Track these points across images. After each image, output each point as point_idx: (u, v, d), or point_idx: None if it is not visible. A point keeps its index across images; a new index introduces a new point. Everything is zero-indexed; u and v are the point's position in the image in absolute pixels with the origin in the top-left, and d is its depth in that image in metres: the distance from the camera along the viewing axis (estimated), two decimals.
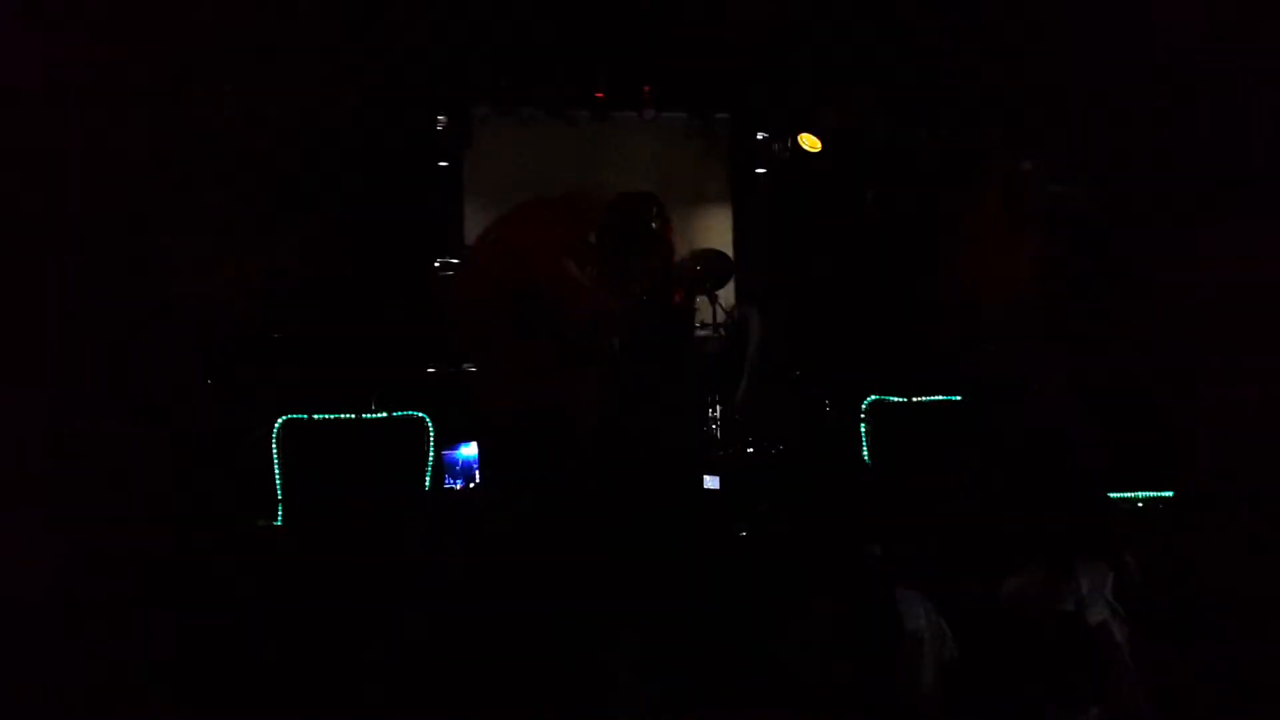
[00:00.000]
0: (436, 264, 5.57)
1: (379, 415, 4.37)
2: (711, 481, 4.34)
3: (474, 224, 6.26)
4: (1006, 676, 2.92)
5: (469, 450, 4.94)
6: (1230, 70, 4.02)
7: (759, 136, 6.33)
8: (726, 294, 6.00)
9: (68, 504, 3.11)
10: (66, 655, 2.71)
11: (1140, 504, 3.92)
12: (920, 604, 3.08)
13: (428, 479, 4.26)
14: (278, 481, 4.18)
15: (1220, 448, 3.84)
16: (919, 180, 5.78)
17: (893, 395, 4.53)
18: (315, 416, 4.28)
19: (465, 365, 5.05)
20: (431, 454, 4.28)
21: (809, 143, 5.98)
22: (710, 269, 5.16)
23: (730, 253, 6.49)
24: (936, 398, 4.46)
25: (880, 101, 5.98)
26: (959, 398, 4.34)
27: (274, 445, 4.18)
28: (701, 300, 5.75)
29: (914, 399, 4.50)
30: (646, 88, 6.16)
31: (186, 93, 4.93)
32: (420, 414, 4.35)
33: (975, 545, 3.35)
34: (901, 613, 3.04)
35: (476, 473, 4.85)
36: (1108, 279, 4.25)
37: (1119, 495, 3.95)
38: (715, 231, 6.58)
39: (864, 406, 4.52)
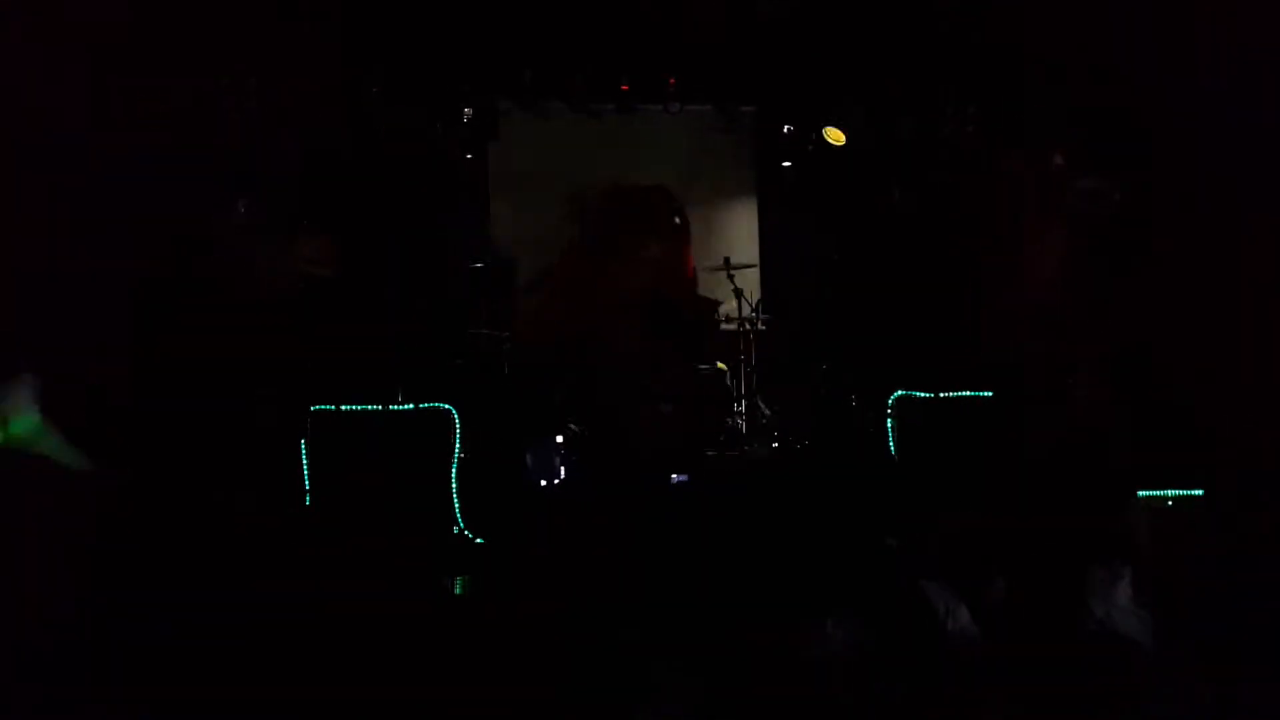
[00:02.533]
0: (464, 255, 5.59)
1: (405, 407, 4.39)
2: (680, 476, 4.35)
3: (499, 216, 6.27)
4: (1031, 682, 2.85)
5: None
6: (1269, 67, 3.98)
7: (784, 129, 6.29)
8: (752, 287, 5.99)
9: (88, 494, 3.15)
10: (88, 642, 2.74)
11: (1170, 502, 3.89)
12: (940, 593, 3.02)
13: (454, 469, 4.27)
14: (305, 470, 4.22)
15: (1253, 445, 3.81)
16: (947, 174, 5.74)
17: (919, 391, 4.50)
18: (343, 408, 4.30)
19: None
20: (458, 445, 4.29)
21: (833, 136, 5.95)
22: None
23: (755, 246, 6.49)
24: (965, 393, 4.43)
25: (907, 95, 5.95)
26: (988, 394, 4.31)
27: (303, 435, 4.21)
28: (726, 293, 5.76)
29: (941, 394, 4.47)
30: (671, 80, 6.14)
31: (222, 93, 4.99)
32: (446, 405, 4.37)
33: (999, 543, 3.32)
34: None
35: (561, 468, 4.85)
36: (1140, 275, 4.22)
37: (1149, 494, 3.92)
38: (740, 225, 6.55)
39: (890, 402, 4.50)
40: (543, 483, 4.78)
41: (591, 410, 4.92)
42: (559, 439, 4.85)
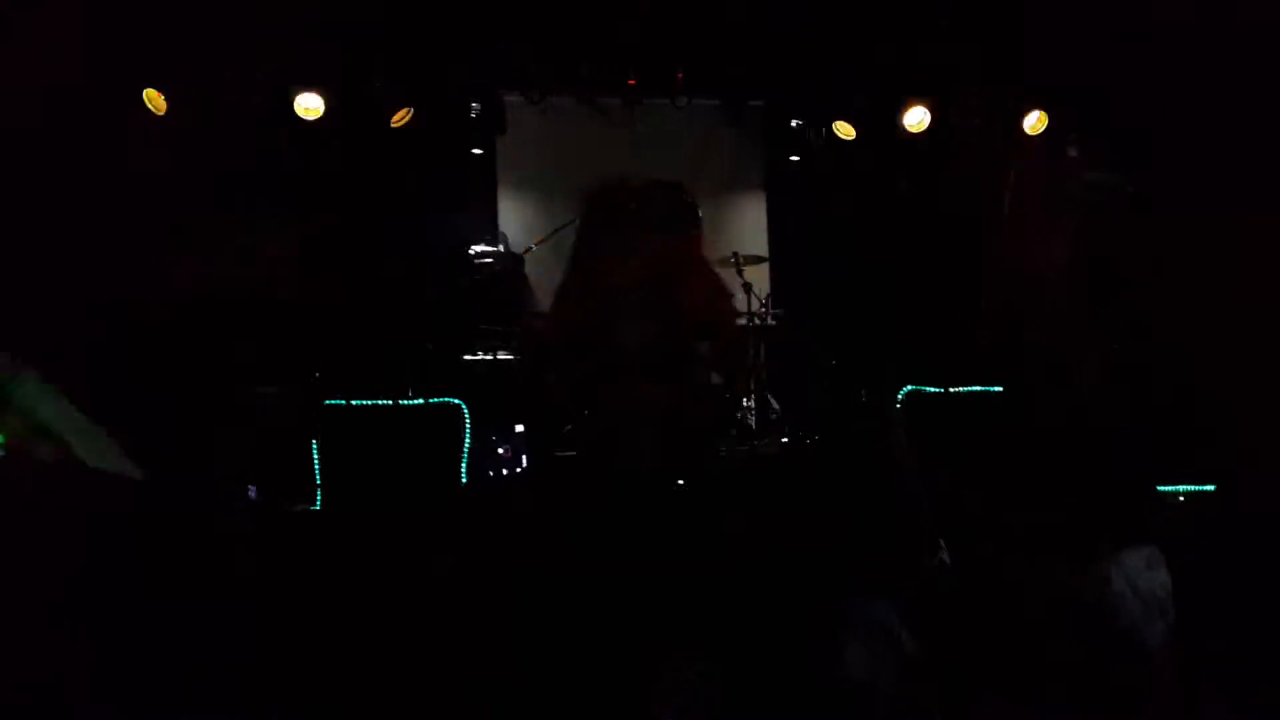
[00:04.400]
0: (472, 251, 5.58)
1: (416, 401, 4.40)
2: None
3: (507, 211, 6.26)
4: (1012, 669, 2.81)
5: None
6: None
7: (793, 124, 6.28)
8: (761, 283, 5.99)
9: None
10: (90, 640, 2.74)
11: (1182, 498, 3.88)
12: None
13: (464, 464, 4.28)
14: (316, 466, 4.22)
15: (1264, 440, 3.80)
16: (956, 167, 5.73)
17: (929, 386, 4.50)
18: (353, 402, 4.31)
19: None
20: (468, 439, 4.29)
21: (843, 130, 5.92)
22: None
23: (764, 240, 6.48)
24: (975, 388, 4.42)
25: (915, 88, 5.93)
26: (998, 388, 4.30)
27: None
28: (733, 287, 5.73)
29: (951, 389, 4.47)
30: (679, 74, 6.12)
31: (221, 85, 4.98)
32: (456, 400, 4.37)
33: (1008, 537, 3.31)
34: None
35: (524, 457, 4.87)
36: (1150, 269, 4.21)
37: (1161, 489, 3.91)
38: (749, 220, 6.55)
39: (900, 397, 4.49)
40: (504, 472, 4.78)
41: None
42: (519, 428, 4.84)
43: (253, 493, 3.64)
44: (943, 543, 2.71)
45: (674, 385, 4.77)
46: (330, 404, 4.27)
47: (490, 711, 2.99)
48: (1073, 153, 4.37)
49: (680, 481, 4.32)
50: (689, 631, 2.91)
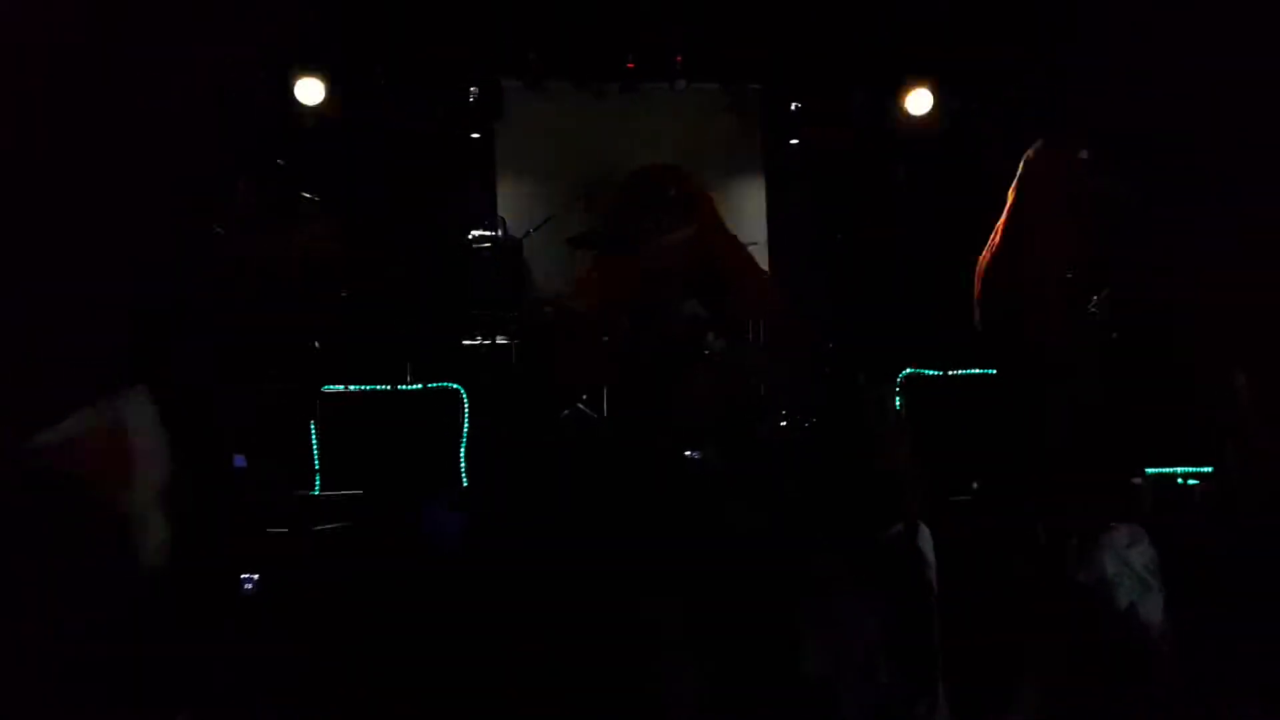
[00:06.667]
0: (470, 236, 5.57)
1: (414, 387, 4.40)
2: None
3: (506, 195, 6.24)
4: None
5: None
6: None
7: (793, 107, 6.25)
8: (760, 266, 5.97)
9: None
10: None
11: (1181, 479, 3.89)
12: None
13: (463, 449, 4.28)
14: (315, 451, 4.23)
15: (1260, 425, 3.80)
16: (955, 152, 5.72)
17: (928, 369, 4.50)
18: (351, 388, 4.32)
19: None
20: (466, 425, 4.30)
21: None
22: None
23: (763, 224, 6.46)
24: (973, 371, 4.43)
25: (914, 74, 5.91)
26: (995, 371, 4.31)
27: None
28: None
29: (950, 372, 4.47)
30: (678, 58, 6.09)
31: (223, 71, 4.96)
32: (455, 385, 4.38)
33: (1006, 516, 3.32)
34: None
35: None
36: (1150, 257, 4.20)
37: (1158, 470, 3.92)
38: (748, 204, 6.52)
39: (899, 379, 4.50)
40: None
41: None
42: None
43: (240, 461, 3.63)
44: (922, 526, 2.70)
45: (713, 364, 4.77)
46: (328, 389, 4.28)
47: (489, 712, 2.99)
48: (1083, 154, 4.35)
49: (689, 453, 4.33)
50: (690, 630, 2.91)
